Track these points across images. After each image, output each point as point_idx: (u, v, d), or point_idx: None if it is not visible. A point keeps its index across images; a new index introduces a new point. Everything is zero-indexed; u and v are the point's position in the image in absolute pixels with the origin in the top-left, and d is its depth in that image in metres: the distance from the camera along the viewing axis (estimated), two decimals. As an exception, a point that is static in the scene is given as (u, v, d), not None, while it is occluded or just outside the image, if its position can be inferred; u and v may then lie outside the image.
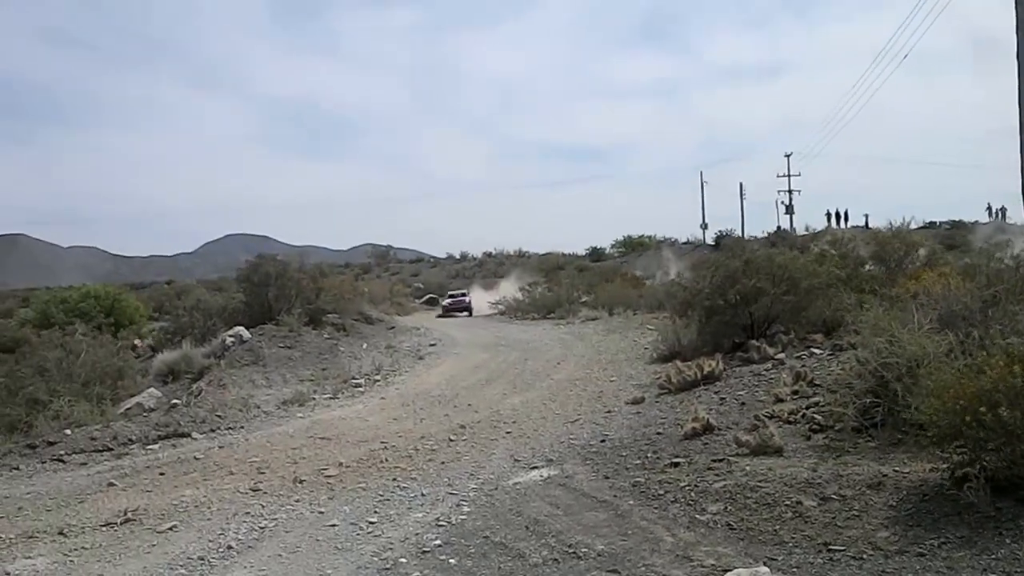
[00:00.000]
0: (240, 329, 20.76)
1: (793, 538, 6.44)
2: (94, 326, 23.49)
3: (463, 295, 45.35)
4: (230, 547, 7.50)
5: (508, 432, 11.36)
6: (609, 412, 11.94)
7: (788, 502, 7.04)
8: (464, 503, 8.20)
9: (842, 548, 6.13)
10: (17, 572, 7.25)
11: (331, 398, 16.37)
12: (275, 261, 25.08)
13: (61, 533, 8.28)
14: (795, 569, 5.91)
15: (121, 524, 8.45)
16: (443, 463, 9.99)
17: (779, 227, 68.01)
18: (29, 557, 7.64)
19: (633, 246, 76.70)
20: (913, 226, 49.97)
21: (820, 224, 64.62)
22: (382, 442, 11.47)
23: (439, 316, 40.43)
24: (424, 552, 6.93)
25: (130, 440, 13.07)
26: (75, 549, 7.79)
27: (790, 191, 70.76)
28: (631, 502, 7.70)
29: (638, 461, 8.90)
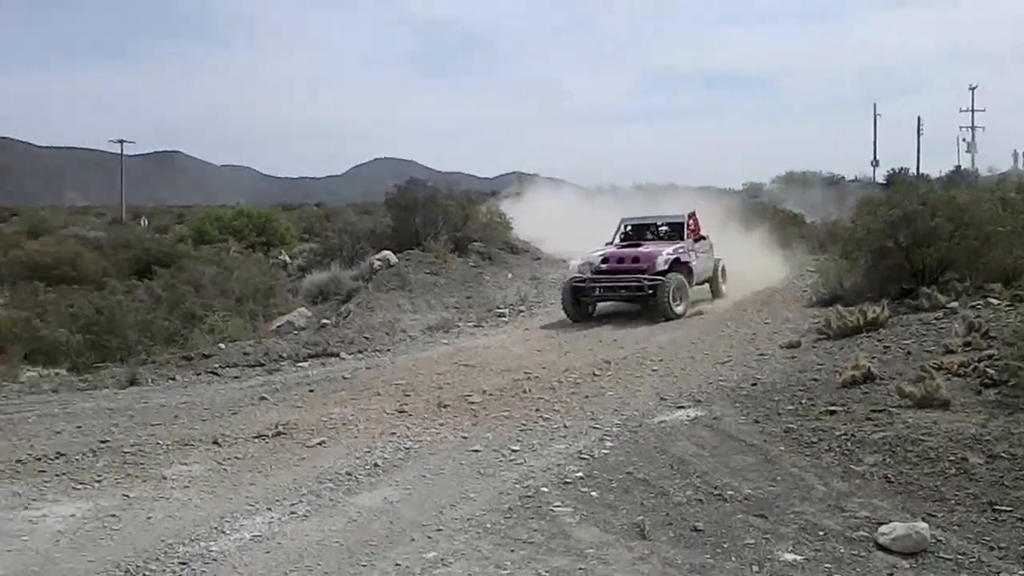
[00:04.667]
0: (388, 253, 21.11)
1: (956, 495, 5.99)
2: (247, 244, 24.40)
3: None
4: (376, 465, 7.59)
5: (654, 370, 11.09)
6: (762, 355, 11.47)
7: (952, 458, 6.55)
8: (607, 438, 8.03)
9: (1009, 508, 5.65)
10: (174, 477, 7.54)
11: (475, 326, 16.45)
12: (424, 187, 25.28)
13: (215, 442, 8.58)
14: (956, 527, 5.50)
15: (272, 437, 8.70)
16: (586, 397, 9.84)
17: (958, 166, 63.76)
18: (185, 463, 7.95)
19: (795, 182, 73.41)
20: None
21: (1005, 165, 60.35)
22: (525, 372, 11.41)
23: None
24: (566, 483, 6.82)
25: (281, 357, 13.50)
26: (228, 458, 8.06)
27: (973, 127, 66.06)
28: (782, 448, 7.35)
29: (791, 407, 8.50)
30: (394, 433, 8.67)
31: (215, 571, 5.48)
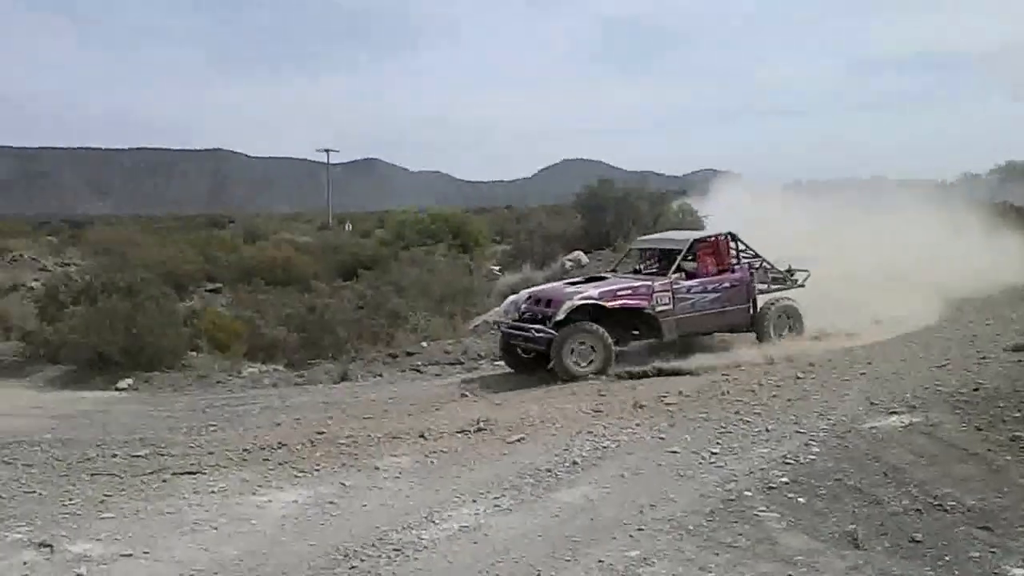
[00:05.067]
0: (578, 254, 21.29)
1: None
2: (444, 248, 25.19)
3: None
4: (575, 463, 7.68)
5: (862, 373, 10.61)
6: (984, 358, 10.72)
7: None
8: (813, 443, 7.78)
9: None
10: (385, 467, 7.92)
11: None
12: (613, 186, 25.31)
13: (422, 436, 8.92)
14: None
15: (474, 432, 8.97)
16: (789, 400, 9.55)
17: None
18: (395, 455, 8.32)
19: (1016, 172, 67.45)
20: None
21: None
22: (723, 374, 11.20)
23: None
24: (770, 488, 6.66)
25: (479, 355, 13.90)
26: (434, 451, 8.37)
27: None
28: (1008, 458, 6.90)
29: (1018, 414, 7.94)
30: (591, 432, 8.74)
31: (426, 559, 5.71)
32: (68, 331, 14.17)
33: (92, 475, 8.02)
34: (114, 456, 8.70)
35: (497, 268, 25.22)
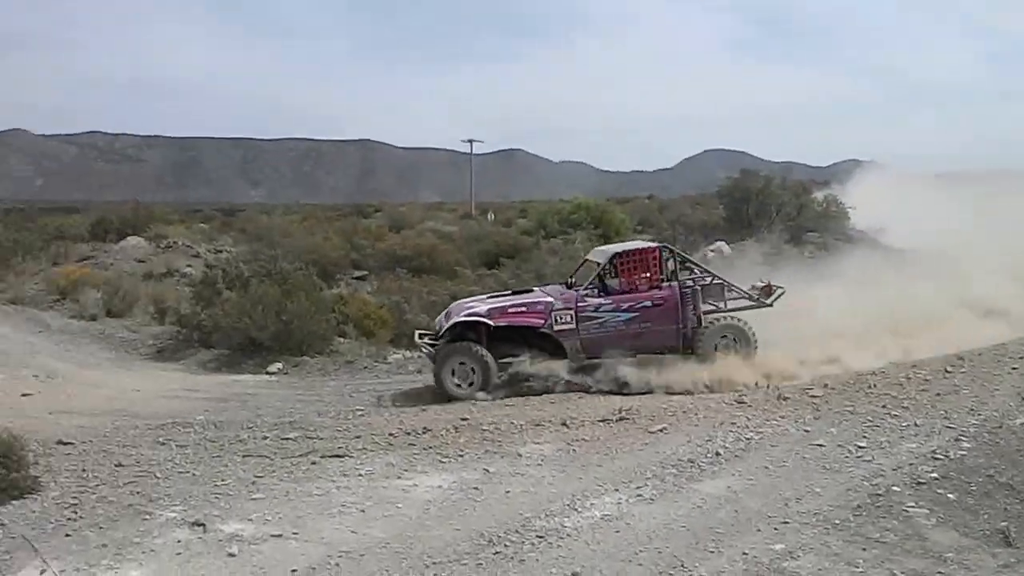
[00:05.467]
0: (721, 244, 21.06)
1: None
2: (586, 236, 25.25)
3: None
4: (718, 453, 7.68)
5: (1014, 368, 10.14)
6: None
7: None
8: (963, 438, 7.52)
9: None
10: (528, 454, 8.09)
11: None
12: (756, 177, 24.92)
13: (564, 424, 9.06)
14: None
15: (616, 421, 9.05)
16: (937, 395, 9.22)
17: None
18: (537, 443, 8.49)
19: None
20: None
21: None
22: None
23: None
24: (919, 483, 6.51)
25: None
26: (576, 439, 8.49)
27: None
28: None
29: None
30: (734, 423, 8.70)
31: (569, 546, 5.83)
32: (221, 316, 14.97)
33: (244, 456, 8.40)
34: (265, 438, 9.13)
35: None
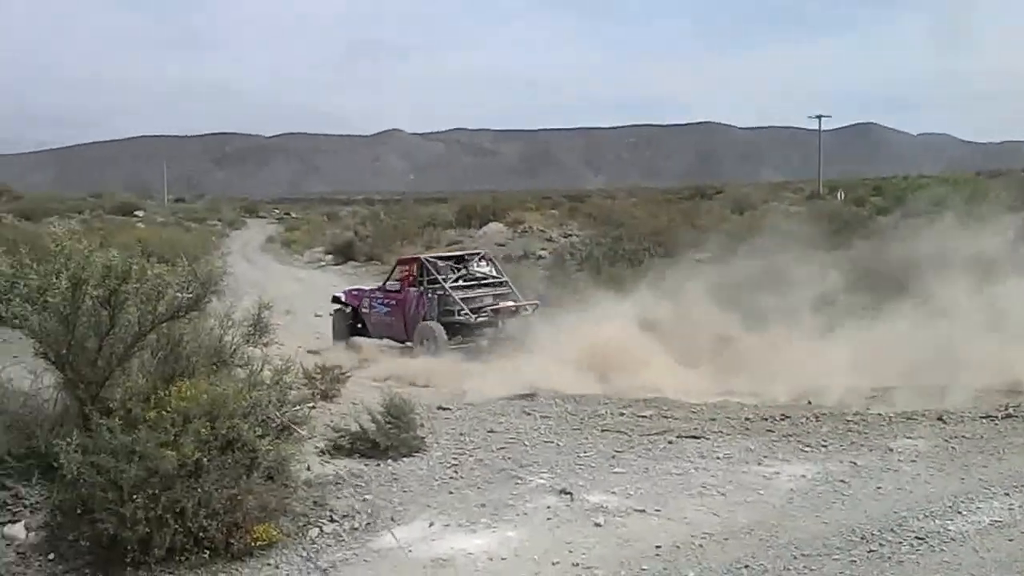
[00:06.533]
0: None
1: None
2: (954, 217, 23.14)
3: None
4: None
5: None
6: None
7: None
8: None
9: None
10: (900, 449, 7.52)
11: None
12: None
13: (939, 419, 8.37)
14: None
15: (1002, 419, 8.23)
16: None
17: None
18: (909, 437, 7.88)
19: None
20: None
21: None
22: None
23: None
24: None
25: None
26: (955, 436, 7.81)
27: None
28: None
29: None
30: None
31: (954, 551, 5.31)
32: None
33: (602, 431, 8.56)
34: (622, 415, 9.24)
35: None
